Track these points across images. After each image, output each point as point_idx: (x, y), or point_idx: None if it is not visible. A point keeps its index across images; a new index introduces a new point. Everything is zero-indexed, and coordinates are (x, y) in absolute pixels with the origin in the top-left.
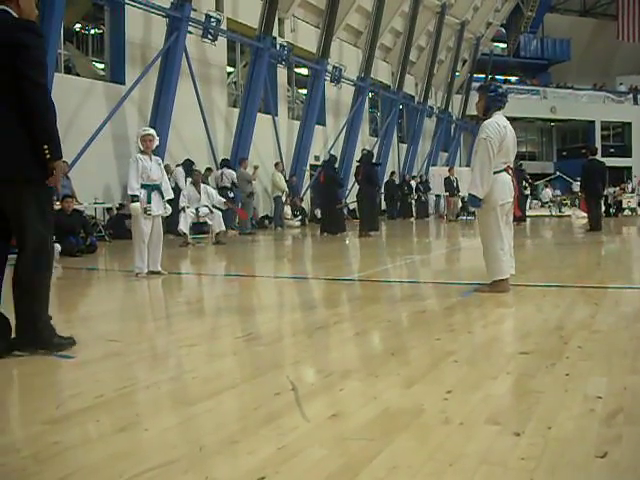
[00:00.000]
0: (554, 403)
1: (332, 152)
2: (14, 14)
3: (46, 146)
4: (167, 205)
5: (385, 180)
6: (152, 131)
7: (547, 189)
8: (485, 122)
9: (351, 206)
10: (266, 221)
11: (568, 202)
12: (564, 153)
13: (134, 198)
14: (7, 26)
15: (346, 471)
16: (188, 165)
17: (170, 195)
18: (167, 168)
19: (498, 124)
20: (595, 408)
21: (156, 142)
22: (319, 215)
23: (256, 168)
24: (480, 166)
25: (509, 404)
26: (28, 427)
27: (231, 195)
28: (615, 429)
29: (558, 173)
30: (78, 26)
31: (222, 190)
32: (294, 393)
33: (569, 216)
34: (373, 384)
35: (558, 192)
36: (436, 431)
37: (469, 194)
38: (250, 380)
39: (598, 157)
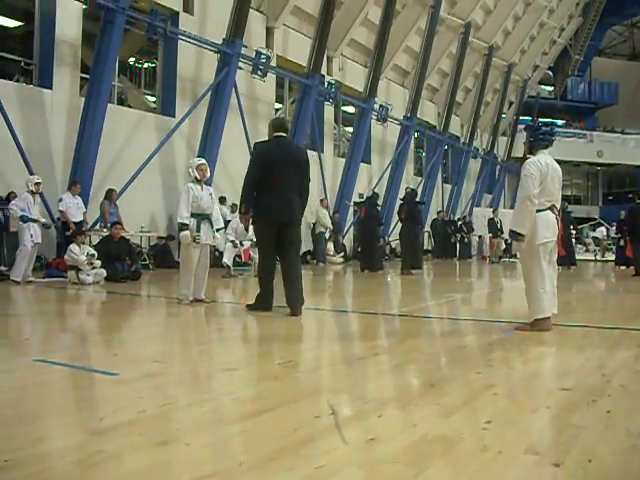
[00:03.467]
0: (595, 437)
1: (376, 190)
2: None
3: (305, 205)
4: (217, 234)
5: (433, 218)
6: (205, 161)
7: (592, 233)
8: (527, 160)
9: (393, 244)
10: (308, 256)
11: (613, 247)
12: (610, 198)
13: (183, 226)
14: (300, 148)
15: None
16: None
17: (220, 225)
18: (223, 200)
19: (540, 162)
20: (637, 444)
21: (209, 172)
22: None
23: None
24: (521, 202)
25: (549, 436)
26: (73, 436)
27: None
28: None
29: (598, 219)
30: (132, 59)
31: None
32: (334, 417)
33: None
34: (412, 412)
35: (602, 235)
36: (474, 459)
37: (510, 229)
38: (290, 403)
39: None
